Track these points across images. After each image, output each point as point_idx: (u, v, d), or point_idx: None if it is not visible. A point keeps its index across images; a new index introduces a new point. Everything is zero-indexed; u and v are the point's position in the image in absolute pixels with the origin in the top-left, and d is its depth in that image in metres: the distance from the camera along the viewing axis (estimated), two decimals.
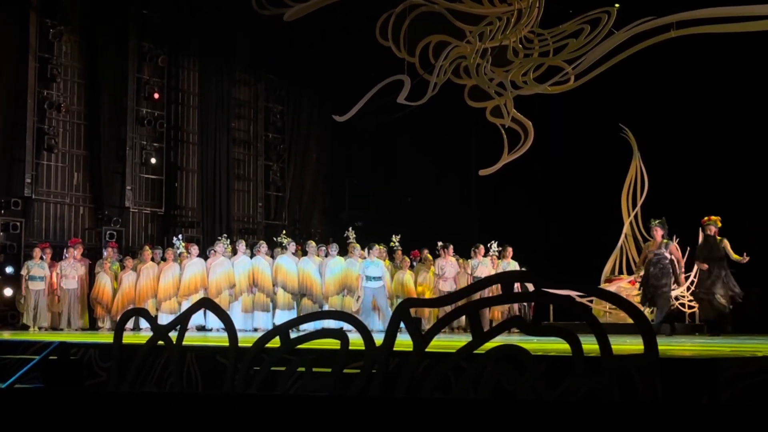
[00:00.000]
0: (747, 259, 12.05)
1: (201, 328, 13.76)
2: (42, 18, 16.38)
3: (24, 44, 16.12)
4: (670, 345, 7.55)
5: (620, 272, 14.64)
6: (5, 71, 16.02)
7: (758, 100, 14.45)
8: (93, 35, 17.35)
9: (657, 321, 11.57)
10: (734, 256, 12.08)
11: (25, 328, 14.04)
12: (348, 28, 16.57)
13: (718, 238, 12.04)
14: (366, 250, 14.32)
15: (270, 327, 12.74)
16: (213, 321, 13.46)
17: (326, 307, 13.90)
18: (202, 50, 18.99)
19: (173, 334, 5.99)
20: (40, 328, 13.95)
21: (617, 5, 13.00)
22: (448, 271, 14.59)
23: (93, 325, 14.66)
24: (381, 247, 14.52)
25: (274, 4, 14.12)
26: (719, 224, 12.11)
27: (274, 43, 19.17)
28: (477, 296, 6.88)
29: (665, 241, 11.98)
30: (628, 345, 6.76)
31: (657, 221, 12.31)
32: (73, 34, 17.07)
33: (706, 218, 12.26)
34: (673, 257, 11.92)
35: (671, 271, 11.84)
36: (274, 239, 15.37)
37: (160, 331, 6.04)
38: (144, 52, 17.89)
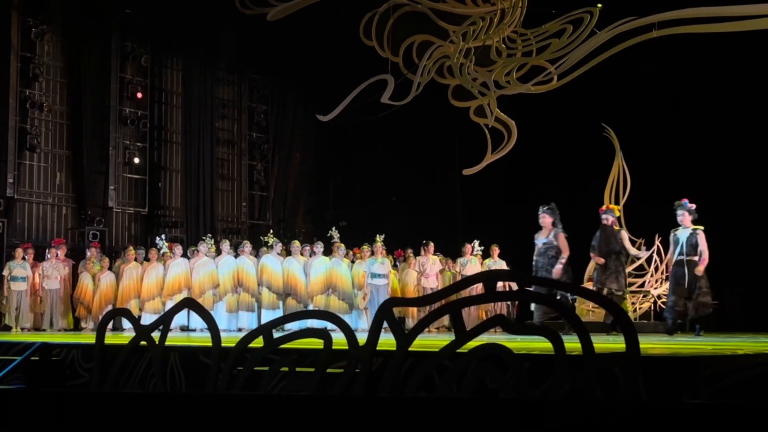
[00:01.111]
0: (647, 253, 11.43)
1: (184, 329, 13.73)
2: (24, 17, 16.29)
3: (6, 43, 16.01)
4: (651, 343, 7.59)
5: None
6: None
7: (740, 98, 14.55)
8: (75, 34, 17.26)
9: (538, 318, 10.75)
10: (632, 250, 11.42)
11: (8, 328, 13.95)
12: (332, 28, 16.57)
13: (616, 228, 11.28)
14: (369, 246, 14.47)
15: (255, 327, 12.75)
16: (196, 321, 13.44)
17: (311, 307, 13.91)
18: (186, 49, 18.93)
19: (156, 335, 5.97)
20: (22, 329, 13.88)
21: (599, 5, 13.07)
22: (429, 268, 14.66)
23: (76, 326, 14.60)
24: (379, 242, 14.53)
25: (258, 4, 14.11)
26: (618, 213, 11.35)
27: (257, 42, 19.14)
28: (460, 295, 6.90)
29: (554, 228, 11.10)
30: (611, 343, 6.79)
31: (545, 207, 11.32)
32: (56, 33, 16.97)
33: (604, 207, 11.46)
34: (560, 246, 10.99)
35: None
36: (261, 239, 15.35)
37: (142, 331, 6.02)
38: (127, 51, 17.82)
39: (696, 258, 10.59)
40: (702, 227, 10.84)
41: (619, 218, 11.35)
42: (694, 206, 10.86)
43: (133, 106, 17.94)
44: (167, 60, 18.93)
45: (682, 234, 10.75)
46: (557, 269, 10.84)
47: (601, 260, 11.08)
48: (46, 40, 16.70)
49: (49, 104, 16.67)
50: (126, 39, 17.80)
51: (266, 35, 17.98)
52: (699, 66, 14.74)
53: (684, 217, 10.78)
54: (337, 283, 14.26)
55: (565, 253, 10.98)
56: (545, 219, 11.16)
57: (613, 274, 11.03)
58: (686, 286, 10.51)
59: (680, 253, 10.66)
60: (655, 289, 13.96)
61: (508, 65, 13.83)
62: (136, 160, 17.84)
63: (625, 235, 11.31)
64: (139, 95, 17.98)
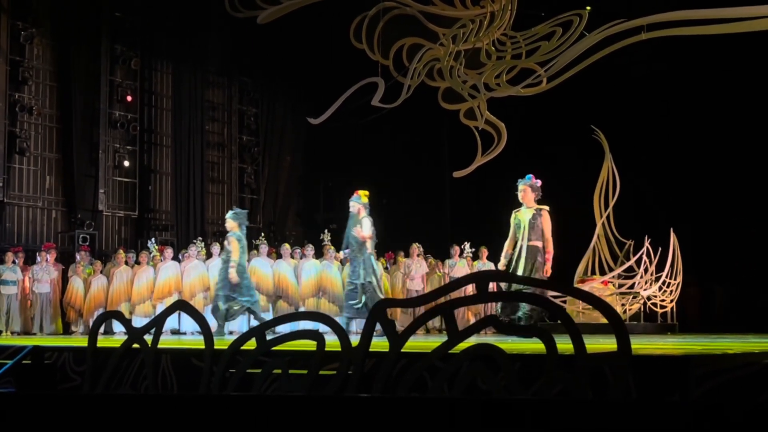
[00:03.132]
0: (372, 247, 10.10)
1: (175, 332, 13.71)
2: (13, 20, 16.23)
3: None
4: (642, 344, 7.62)
5: (593, 273, 14.75)
6: None
7: (730, 100, 14.63)
8: (65, 38, 17.21)
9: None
10: (367, 232, 10.18)
11: None
12: (322, 31, 16.57)
13: (361, 216, 10.35)
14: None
15: (245, 330, 12.73)
16: (187, 325, 13.43)
17: (302, 310, 13.91)
18: (176, 53, 18.91)
19: (148, 337, 5.96)
20: (12, 333, 13.85)
21: (588, 8, 13.11)
22: (414, 270, 14.72)
23: (66, 330, 14.56)
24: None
25: (248, 7, 14.09)
26: (365, 199, 10.39)
27: (247, 45, 19.14)
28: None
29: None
30: (602, 344, 6.82)
31: (230, 212, 11.09)
32: (45, 36, 16.92)
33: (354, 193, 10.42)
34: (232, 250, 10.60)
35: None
36: (253, 242, 15.35)
37: (134, 333, 6.01)
38: (117, 54, 17.77)
39: (538, 243, 9.01)
40: (547, 207, 9.28)
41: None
42: (539, 182, 9.25)
43: (122, 110, 17.90)
44: (157, 63, 18.91)
45: (524, 215, 9.13)
46: (230, 273, 10.56)
47: (341, 254, 10.59)
48: (35, 43, 16.65)
49: (39, 107, 16.62)
50: (116, 42, 17.76)
51: (256, 38, 17.98)
52: (688, 68, 14.81)
53: (525, 194, 9.13)
54: (327, 286, 14.27)
55: (234, 256, 10.61)
56: (229, 224, 10.93)
57: (359, 267, 10.17)
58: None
59: (521, 238, 9.01)
60: (645, 290, 14.00)
61: (497, 68, 13.86)
62: (126, 164, 17.80)
63: (367, 222, 10.23)
64: (129, 98, 17.94)
